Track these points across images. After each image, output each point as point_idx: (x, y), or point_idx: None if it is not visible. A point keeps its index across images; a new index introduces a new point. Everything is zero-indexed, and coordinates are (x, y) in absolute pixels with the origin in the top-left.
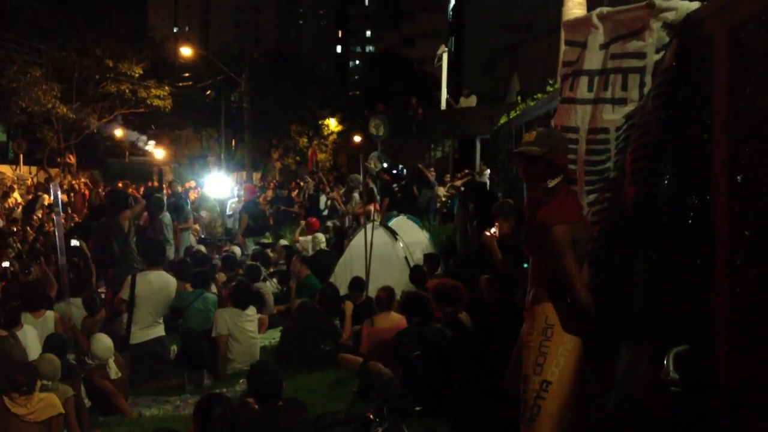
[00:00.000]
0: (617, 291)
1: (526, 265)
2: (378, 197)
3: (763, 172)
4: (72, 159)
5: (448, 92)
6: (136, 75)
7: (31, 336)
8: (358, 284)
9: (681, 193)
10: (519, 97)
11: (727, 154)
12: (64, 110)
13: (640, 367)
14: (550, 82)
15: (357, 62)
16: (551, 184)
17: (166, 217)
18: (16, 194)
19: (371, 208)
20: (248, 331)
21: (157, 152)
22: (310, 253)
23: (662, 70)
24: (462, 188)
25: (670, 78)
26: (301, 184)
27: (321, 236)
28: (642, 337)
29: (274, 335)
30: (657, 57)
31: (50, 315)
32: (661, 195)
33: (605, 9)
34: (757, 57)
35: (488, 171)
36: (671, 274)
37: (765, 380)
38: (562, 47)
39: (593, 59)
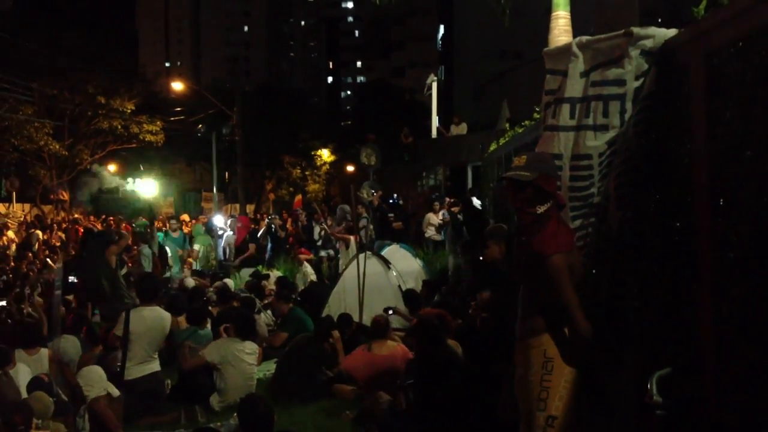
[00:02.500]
0: (605, 316)
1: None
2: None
3: (742, 195)
4: (65, 195)
5: (439, 120)
6: (128, 111)
7: (24, 374)
8: (346, 321)
9: (665, 217)
10: (508, 125)
11: (707, 178)
12: (57, 147)
13: (631, 392)
14: (536, 109)
15: (348, 92)
16: (540, 210)
17: (146, 249)
18: (10, 232)
19: (351, 239)
20: (247, 363)
21: (150, 186)
22: (300, 287)
23: (642, 96)
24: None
25: (650, 104)
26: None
27: (309, 269)
28: (631, 361)
29: (268, 367)
30: (637, 84)
31: (44, 352)
32: (645, 219)
33: (585, 38)
34: (732, 83)
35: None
36: (656, 298)
37: (750, 399)
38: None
39: (574, 87)
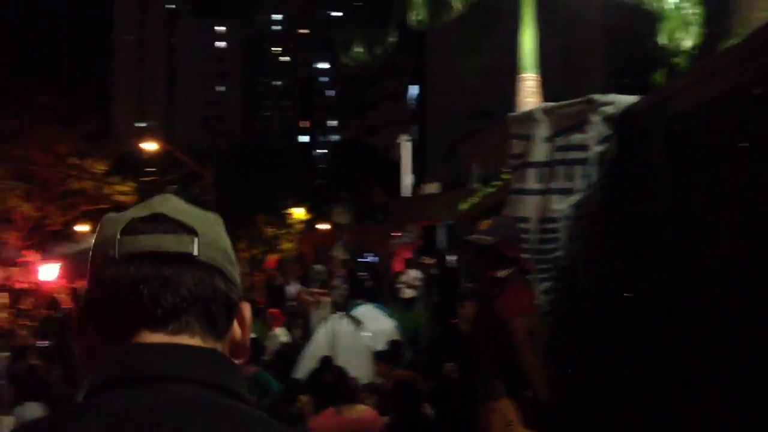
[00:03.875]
0: (577, 381)
1: None
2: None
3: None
4: (33, 257)
5: (412, 179)
6: (100, 171)
7: None
8: (327, 363)
9: (633, 280)
10: (477, 184)
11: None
12: (26, 208)
13: None
14: (503, 170)
15: (323, 151)
16: (501, 274)
17: None
18: None
19: (326, 299)
20: None
21: None
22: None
23: (606, 161)
24: (432, 271)
25: (613, 169)
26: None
27: (280, 330)
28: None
29: None
30: (599, 148)
31: (7, 421)
32: (614, 283)
33: (548, 104)
34: (692, 148)
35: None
36: (627, 362)
37: None
38: None
39: (539, 151)
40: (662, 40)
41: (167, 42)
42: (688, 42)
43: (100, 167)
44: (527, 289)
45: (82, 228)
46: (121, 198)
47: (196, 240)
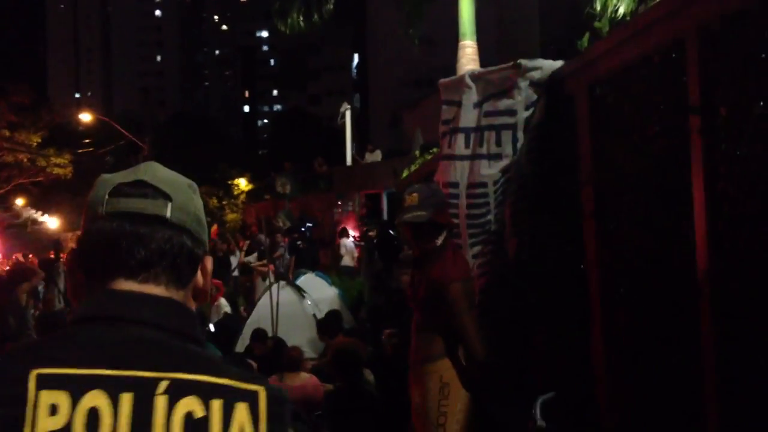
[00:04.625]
0: (505, 341)
1: None
2: (286, 256)
3: (625, 221)
4: None
5: (354, 148)
6: (35, 144)
7: None
8: (260, 335)
9: (557, 243)
10: (418, 151)
11: (593, 205)
12: None
13: (521, 416)
14: None
15: (265, 121)
16: (439, 241)
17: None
18: None
19: (266, 269)
20: None
21: (53, 222)
22: (215, 320)
23: (532, 126)
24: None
25: (540, 134)
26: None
27: (223, 301)
28: (524, 385)
29: None
30: (527, 114)
31: None
32: (539, 245)
33: (477, 69)
34: (612, 112)
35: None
36: (551, 322)
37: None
38: None
39: (468, 117)
40: (597, 6)
41: (102, 11)
42: (621, 8)
43: (35, 139)
44: (460, 253)
45: (18, 202)
46: (58, 170)
47: (169, 204)
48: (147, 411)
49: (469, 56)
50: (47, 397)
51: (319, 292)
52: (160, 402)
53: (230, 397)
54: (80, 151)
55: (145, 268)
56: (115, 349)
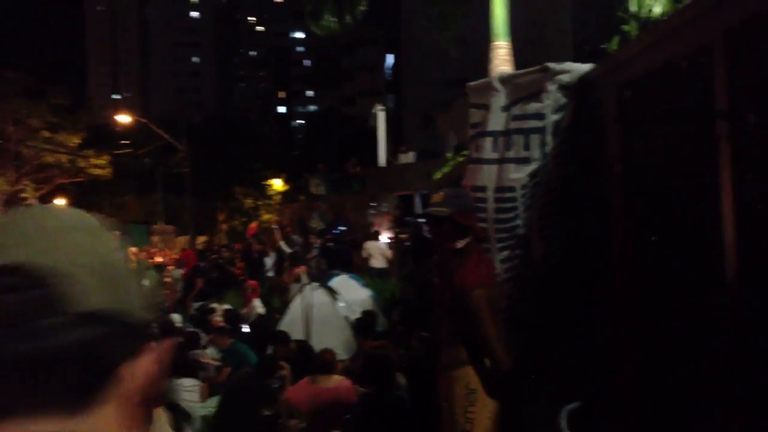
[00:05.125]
0: (532, 347)
1: None
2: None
3: (654, 225)
4: None
5: (387, 149)
6: (74, 144)
7: None
8: (281, 338)
9: (586, 247)
10: (450, 153)
11: (622, 209)
12: (0, 182)
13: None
14: None
15: (299, 122)
16: (460, 244)
17: None
18: None
19: (299, 272)
20: (186, 401)
21: None
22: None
23: (561, 129)
24: (406, 243)
25: (569, 137)
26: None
27: (257, 302)
28: (550, 394)
29: (213, 403)
30: (555, 117)
31: None
32: (567, 250)
33: (505, 72)
34: (641, 116)
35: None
36: (578, 328)
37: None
38: None
39: (496, 121)
40: (632, 7)
41: (139, 13)
42: (657, 9)
43: (74, 140)
44: (486, 259)
45: (58, 202)
46: (96, 171)
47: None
48: None
49: (502, 57)
50: None
51: (353, 294)
52: None
53: None
54: (118, 152)
55: None
56: None
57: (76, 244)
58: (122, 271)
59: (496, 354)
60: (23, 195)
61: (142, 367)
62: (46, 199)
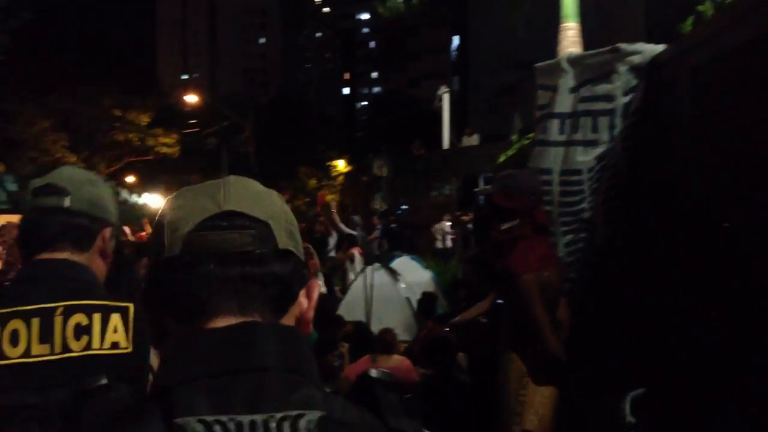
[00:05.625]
0: (594, 332)
1: None
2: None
3: (726, 211)
4: None
5: (452, 131)
6: (144, 123)
7: None
8: (337, 321)
9: (652, 233)
10: (515, 136)
11: (694, 194)
12: (73, 160)
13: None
14: None
15: (364, 103)
16: (504, 226)
17: None
18: None
19: (354, 252)
20: None
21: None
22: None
23: (631, 112)
24: (469, 225)
25: (638, 120)
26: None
27: (319, 282)
28: (612, 380)
29: None
30: (626, 99)
31: None
32: (632, 234)
33: (574, 53)
34: (715, 99)
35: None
36: (643, 314)
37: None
38: None
39: (564, 102)
40: None
41: None
42: None
43: (144, 120)
44: (540, 243)
45: (128, 179)
46: (164, 150)
47: (68, 198)
48: (48, 326)
49: (570, 39)
50: None
51: (414, 275)
52: (58, 319)
53: (106, 311)
54: (186, 131)
55: (51, 243)
56: (28, 293)
57: (271, 203)
58: (295, 225)
59: (546, 339)
60: (94, 172)
61: (306, 295)
62: (116, 176)
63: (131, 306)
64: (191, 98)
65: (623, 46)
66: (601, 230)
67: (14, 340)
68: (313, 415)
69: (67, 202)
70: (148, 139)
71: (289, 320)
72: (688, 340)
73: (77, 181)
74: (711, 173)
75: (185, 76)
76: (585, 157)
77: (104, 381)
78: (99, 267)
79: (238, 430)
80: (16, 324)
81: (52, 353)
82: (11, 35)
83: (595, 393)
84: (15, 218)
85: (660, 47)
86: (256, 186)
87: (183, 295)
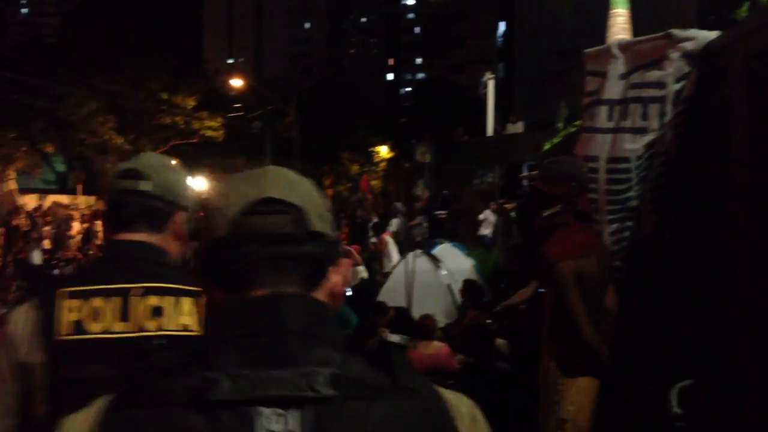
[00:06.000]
0: (640, 322)
1: None
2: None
3: None
4: None
5: (497, 118)
6: (190, 107)
7: None
8: (380, 308)
9: (701, 222)
10: (562, 123)
11: (747, 185)
12: (120, 141)
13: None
14: None
15: (408, 89)
16: (545, 213)
17: None
18: (75, 223)
19: (386, 237)
20: None
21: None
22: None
23: (682, 99)
24: (512, 213)
25: (689, 108)
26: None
27: (360, 267)
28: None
29: None
30: (677, 86)
31: None
32: (681, 223)
33: (625, 39)
34: None
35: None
36: (689, 304)
37: None
38: None
39: (613, 89)
40: None
41: None
42: None
43: (190, 102)
44: (580, 231)
45: (173, 161)
46: (210, 133)
47: (149, 182)
48: (126, 305)
49: (620, 25)
50: (68, 303)
51: (455, 262)
52: (135, 300)
53: (179, 294)
54: (231, 115)
55: (130, 223)
56: (110, 272)
57: (306, 190)
58: (327, 210)
59: (581, 329)
60: (140, 154)
61: (337, 272)
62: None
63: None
64: (236, 82)
65: (676, 31)
66: (648, 219)
67: (96, 316)
68: (326, 371)
69: (145, 186)
70: (194, 122)
71: (321, 294)
72: (738, 333)
73: (157, 167)
74: (765, 163)
75: (231, 60)
76: (634, 145)
77: (404, 341)
78: (174, 248)
79: (258, 381)
80: (98, 302)
81: (129, 331)
82: (63, 18)
83: (641, 383)
84: (63, 198)
85: (713, 34)
86: (291, 175)
87: (230, 271)
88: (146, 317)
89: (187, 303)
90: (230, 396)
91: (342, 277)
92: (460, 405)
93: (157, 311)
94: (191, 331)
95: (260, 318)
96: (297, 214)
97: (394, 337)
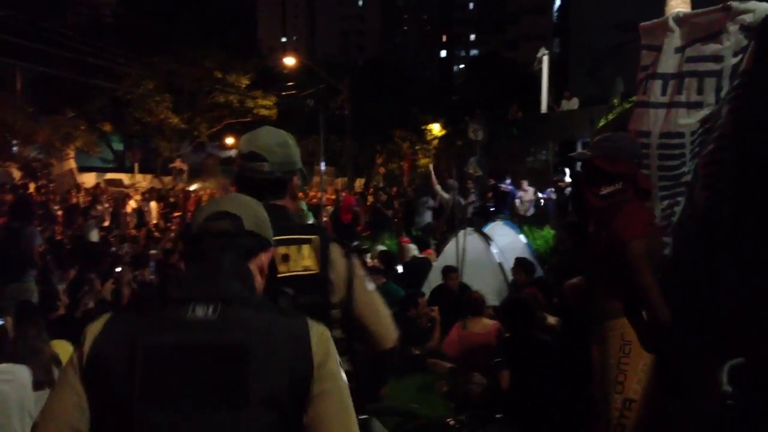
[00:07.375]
0: (692, 300)
1: None
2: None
3: None
4: (184, 165)
5: (551, 95)
6: (243, 85)
7: None
8: (411, 299)
9: (754, 201)
10: (617, 99)
11: None
12: (176, 120)
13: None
14: None
15: (461, 66)
16: (604, 191)
17: None
18: (132, 202)
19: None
20: None
21: None
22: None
23: (739, 73)
24: (566, 191)
25: (747, 82)
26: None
27: (411, 245)
28: (708, 349)
29: None
30: (735, 60)
31: None
32: (733, 202)
33: (682, 12)
34: None
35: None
36: (741, 283)
37: None
38: None
39: (668, 63)
40: None
41: None
42: None
43: (244, 81)
44: (643, 208)
45: (228, 140)
46: (263, 112)
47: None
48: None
49: None
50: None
51: (507, 240)
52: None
53: (300, 243)
54: (284, 93)
55: (258, 194)
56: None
57: (248, 207)
58: (262, 218)
59: (656, 307)
60: (195, 132)
61: (267, 255)
62: (216, 137)
63: (316, 237)
64: (289, 61)
65: (734, 4)
66: (701, 195)
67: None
68: (235, 288)
69: (264, 166)
70: (248, 101)
71: (251, 265)
72: None
73: (271, 147)
74: None
75: (284, 39)
76: (688, 120)
77: (291, 292)
78: (292, 205)
79: (195, 290)
80: (279, 249)
81: (276, 273)
82: None
83: (692, 361)
84: (121, 176)
85: None
86: (245, 198)
87: (196, 252)
88: (280, 262)
89: (306, 249)
90: (177, 295)
91: (268, 257)
92: (318, 325)
93: (286, 258)
94: (311, 270)
95: (208, 268)
96: (237, 220)
97: (288, 290)
